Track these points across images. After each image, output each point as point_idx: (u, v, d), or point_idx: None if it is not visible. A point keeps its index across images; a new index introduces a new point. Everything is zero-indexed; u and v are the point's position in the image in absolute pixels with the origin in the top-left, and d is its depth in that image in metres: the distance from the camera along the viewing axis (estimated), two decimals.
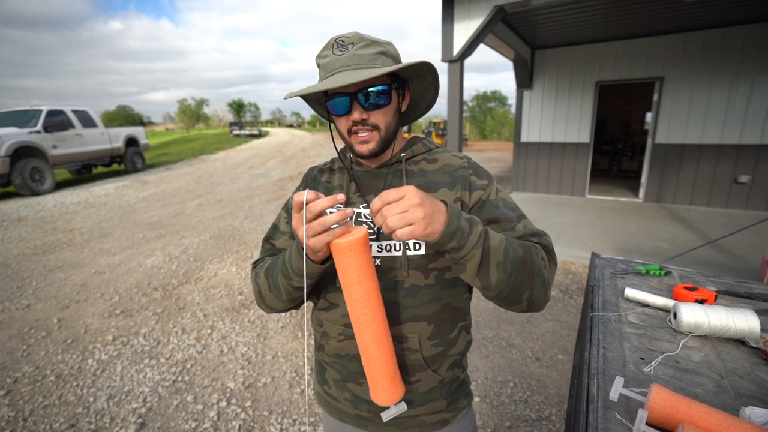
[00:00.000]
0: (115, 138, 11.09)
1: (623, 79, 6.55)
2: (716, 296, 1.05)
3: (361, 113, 0.74)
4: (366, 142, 0.77)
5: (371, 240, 0.79)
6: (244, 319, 3.10)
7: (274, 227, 0.92)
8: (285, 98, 0.75)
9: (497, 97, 47.73)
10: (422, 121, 30.46)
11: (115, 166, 12.68)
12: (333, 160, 0.93)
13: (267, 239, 0.92)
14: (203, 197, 7.88)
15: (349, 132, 0.77)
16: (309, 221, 0.62)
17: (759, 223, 3.31)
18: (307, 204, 0.61)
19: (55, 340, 2.82)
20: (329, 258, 0.70)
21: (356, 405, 0.86)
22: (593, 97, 6.81)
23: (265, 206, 6.97)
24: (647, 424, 0.61)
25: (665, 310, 1.02)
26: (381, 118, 0.76)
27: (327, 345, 0.86)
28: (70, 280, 3.89)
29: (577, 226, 5.29)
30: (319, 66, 0.77)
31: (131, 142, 11.88)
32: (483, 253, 0.63)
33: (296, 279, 0.73)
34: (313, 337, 2.66)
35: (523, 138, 7.68)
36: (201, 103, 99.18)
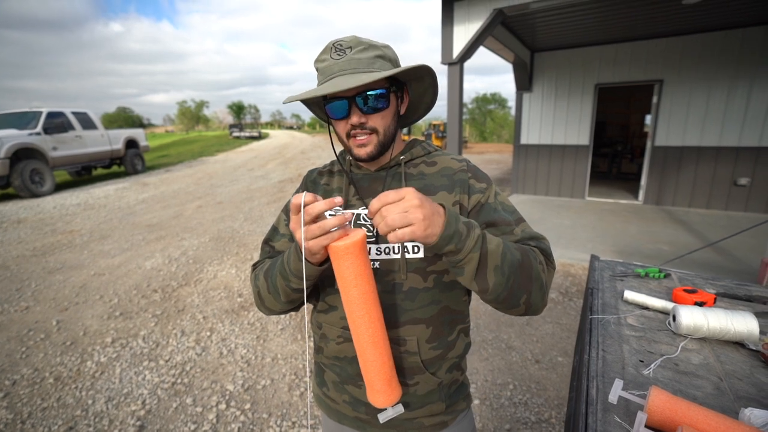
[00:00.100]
0: (115, 140, 11.11)
1: (622, 82, 6.56)
2: (715, 299, 1.05)
3: (359, 117, 0.74)
4: (364, 146, 0.77)
5: (370, 242, 0.79)
6: (244, 321, 3.10)
7: (274, 229, 0.92)
8: (284, 103, 0.76)
9: (497, 100, 47.90)
10: (422, 123, 30.53)
11: (114, 168, 12.70)
12: (332, 163, 0.93)
13: (266, 241, 0.92)
14: (203, 199, 7.88)
15: (348, 135, 0.77)
16: (307, 224, 0.62)
17: (758, 226, 3.32)
18: (304, 206, 0.62)
19: (54, 342, 2.82)
20: (327, 260, 0.70)
21: (355, 407, 0.86)
22: (593, 99, 6.83)
23: (265, 208, 6.97)
24: (646, 426, 0.61)
25: (664, 312, 1.02)
26: (379, 121, 0.76)
27: (326, 347, 0.87)
28: (70, 282, 3.88)
29: (577, 229, 5.29)
30: (317, 70, 0.77)
31: (131, 143, 11.90)
32: (480, 257, 0.63)
33: (294, 281, 0.73)
34: (312, 339, 2.65)
35: (523, 140, 7.69)
36: (201, 105, 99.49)
